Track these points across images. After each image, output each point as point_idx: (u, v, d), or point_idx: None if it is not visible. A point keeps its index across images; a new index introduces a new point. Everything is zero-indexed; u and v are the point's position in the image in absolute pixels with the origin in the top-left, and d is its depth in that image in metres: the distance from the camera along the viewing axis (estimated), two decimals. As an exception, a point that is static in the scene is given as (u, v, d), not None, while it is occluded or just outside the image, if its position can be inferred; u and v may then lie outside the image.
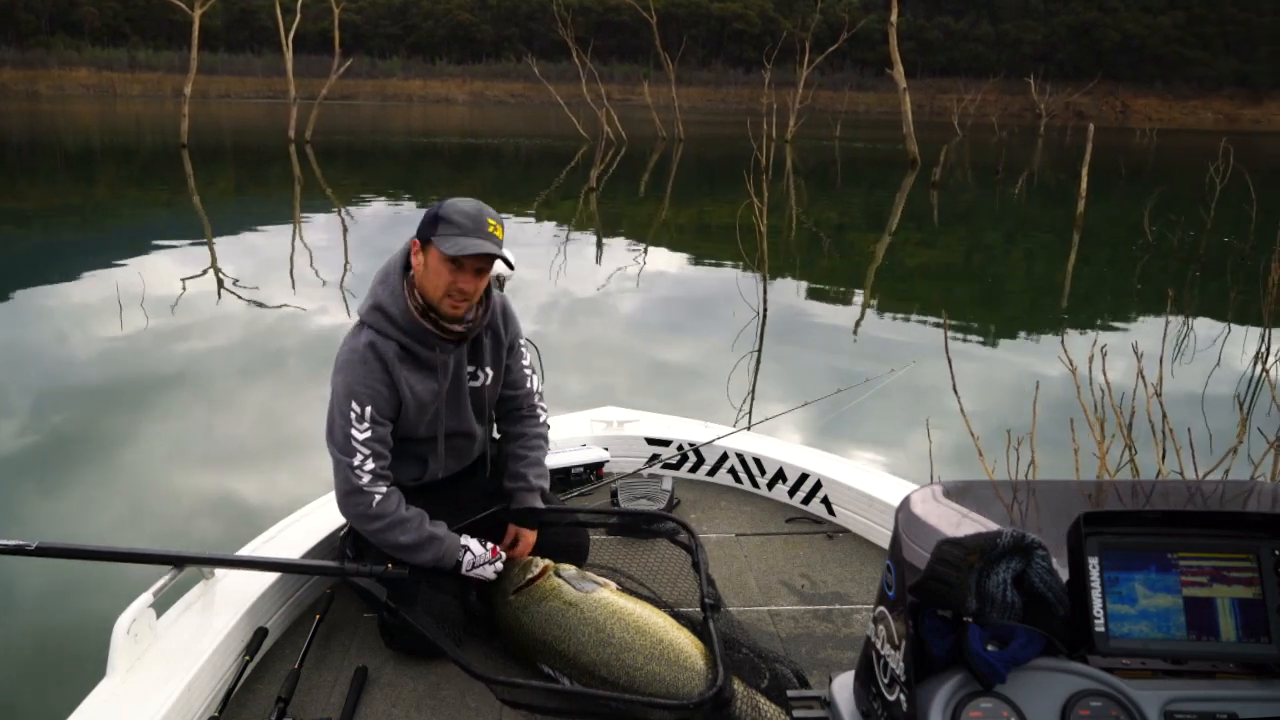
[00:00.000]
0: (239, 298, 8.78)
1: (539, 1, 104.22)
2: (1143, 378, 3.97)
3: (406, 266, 2.21)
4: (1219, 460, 3.93)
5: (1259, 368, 7.09)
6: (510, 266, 2.24)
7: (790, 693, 1.42)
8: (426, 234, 2.09)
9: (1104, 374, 3.94)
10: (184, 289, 9.02)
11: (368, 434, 2.14)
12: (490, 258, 2.10)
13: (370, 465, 2.15)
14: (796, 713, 1.30)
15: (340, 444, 2.15)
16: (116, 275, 9.34)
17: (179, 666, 1.94)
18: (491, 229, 2.08)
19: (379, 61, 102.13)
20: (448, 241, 2.05)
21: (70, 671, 2.90)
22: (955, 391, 4.08)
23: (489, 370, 2.36)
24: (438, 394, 2.24)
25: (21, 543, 2.03)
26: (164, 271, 9.88)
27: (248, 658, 2.12)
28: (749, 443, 3.26)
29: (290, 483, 4.72)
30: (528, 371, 2.47)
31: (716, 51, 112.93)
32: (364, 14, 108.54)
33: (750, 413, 5.98)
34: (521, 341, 2.47)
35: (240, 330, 7.67)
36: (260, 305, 8.55)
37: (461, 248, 2.04)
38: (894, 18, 23.68)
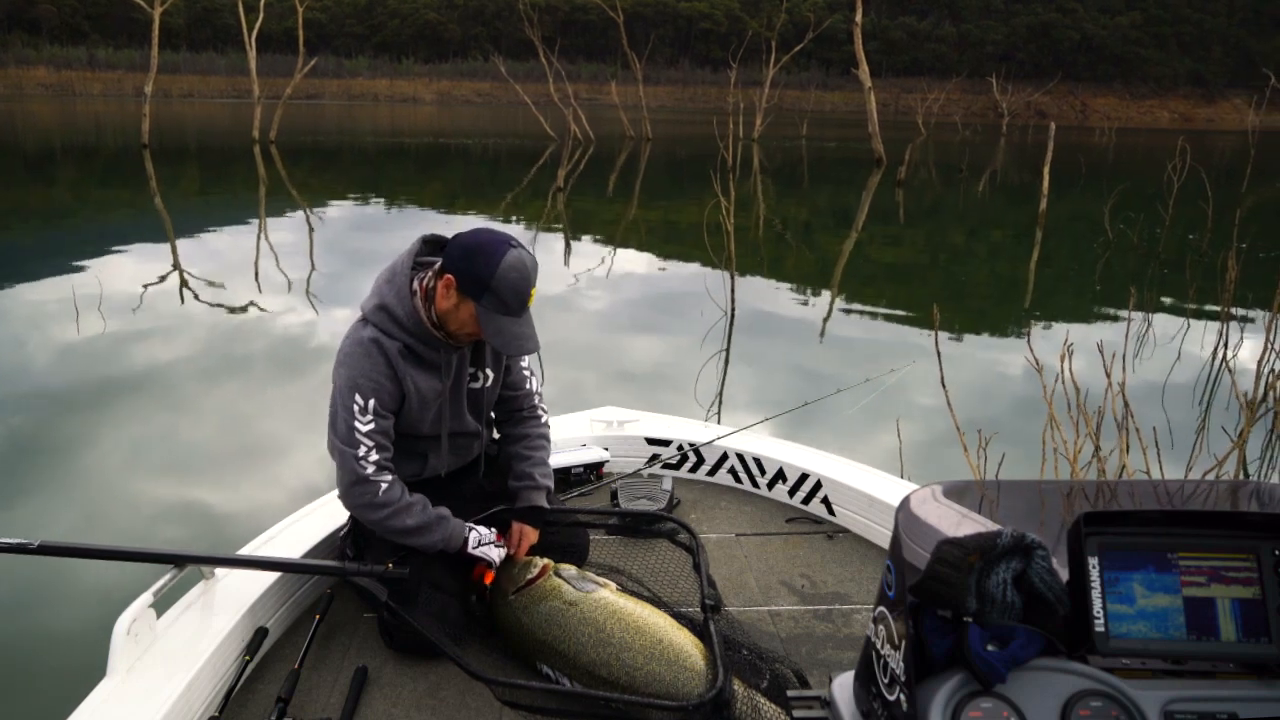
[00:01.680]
0: (198, 298, 8.68)
1: (506, 1, 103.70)
2: (1109, 375, 4.07)
3: (414, 266, 2.22)
4: (1220, 459, 4.03)
5: (1217, 363, 7.26)
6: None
7: (790, 693, 1.43)
8: (469, 292, 2.09)
9: (1070, 372, 4.03)
10: (145, 291, 8.90)
11: (371, 425, 2.15)
12: None
13: (374, 456, 2.16)
14: (796, 713, 1.31)
15: (344, 436, 2.15)
16: (76, 278, 9.17)
17: (179, 666, 1.94)
18: (530, 297, 2.13)
19: (344, 61, 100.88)
20: (490, 320, 2.09)
21: (70, 671, 2.89)
22: (944, 387, 4.15)
23: (489, 372, 2.38)
24: (440, 392, 2.26)
25: (23, 541, 2.03)
26: (125, 273, 9.72)
27: (248, 658, 2.12)
28: (749, 443, 3.25)
29: (257, 486, 4.69)
30: (526, 373, 2.50)
31: (683, 51, 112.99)
32: (329, 12, 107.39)
33: (719, 411, 6.02)
34: None
35: (204, 332, 7.58)
36: (225, 307, 8.46)
37: (504, 343, 2.11)
38: (859, 18, 23.82)
